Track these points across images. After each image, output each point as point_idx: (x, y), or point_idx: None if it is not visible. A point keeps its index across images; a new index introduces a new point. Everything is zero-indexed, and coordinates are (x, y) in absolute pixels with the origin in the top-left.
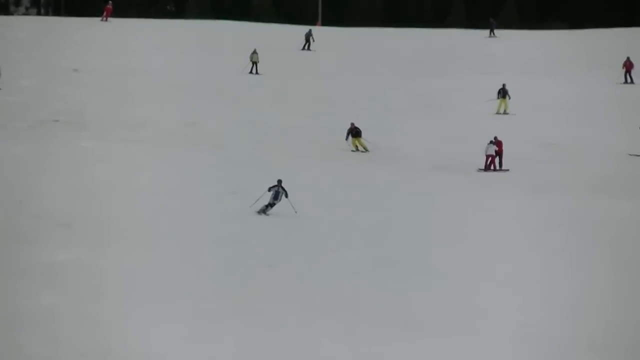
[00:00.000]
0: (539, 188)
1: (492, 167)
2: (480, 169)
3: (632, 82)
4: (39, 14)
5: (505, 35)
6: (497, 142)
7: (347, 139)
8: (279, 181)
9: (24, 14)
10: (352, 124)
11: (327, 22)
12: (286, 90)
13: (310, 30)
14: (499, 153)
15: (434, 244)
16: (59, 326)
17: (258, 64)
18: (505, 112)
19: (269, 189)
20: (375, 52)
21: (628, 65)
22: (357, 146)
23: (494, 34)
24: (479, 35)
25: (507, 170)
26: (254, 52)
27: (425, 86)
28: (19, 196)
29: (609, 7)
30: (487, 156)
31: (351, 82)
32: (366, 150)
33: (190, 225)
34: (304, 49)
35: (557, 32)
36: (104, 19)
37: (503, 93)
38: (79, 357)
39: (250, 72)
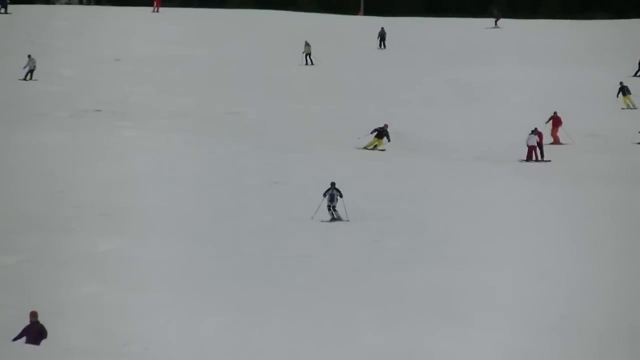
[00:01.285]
0: (582, 179)
1: (533, 158)
2: (522, 160)
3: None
4: (80, 3)
5: (548, 25)
6: (537, 133)
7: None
8: (332, 184)
9: (65, 3)
10: (386, 125)
11: (369, 12)
12: (329, 80)
13: (382, 29)
14: (540, 144)
15: (476, 235)
16: (101, 316)
17: (311, 55)
18: (633, 107)
19: (324, 194)
20: (417, 42)
21: None
22: (375, 145)
23: (497, 24)
24: (521, 24)
25: (549, 161)
26: (306, 44)
27: (465, 76)
28: (60, 186)
29: None
30: (529, 147)
31: (393, 73)
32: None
33: (232, 215)
34: (380, 47)
35: (600, 22)
36: (155, 9)
37: (623, 90)
38: (120, 348)
39: (306, 63)
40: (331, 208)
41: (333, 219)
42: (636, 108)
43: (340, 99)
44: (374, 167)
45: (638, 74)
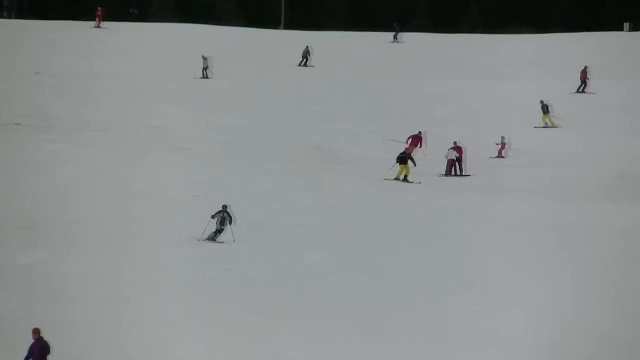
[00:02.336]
0: (503, 192)
1: (453, 172)
2: (442, 174)
3: (583, 91)
4: (1, 17)
5: (470, 40)
6: (457, 148)
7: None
8: (224, 206)
9: None
10: (407, 148)
11: (289, 26)
12: (251, 94)
13: (307, 47)
14: (460, 158)
15: (399, 249)
16: (20, 330)
17: (207, 70)
18: (551, 126)
19: (213, 216)
20: (340, 56)
21: (583, 74)
22: (405, 176)
23: (397, 38)
24: (444, 39)
25: (469, 175)
26: (203, 58)
27: (390, 90)
28: None
29: (573, 11)
30: (449, 161)
31: (317, 86)
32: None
33: (153, 228)
34: (301, 65)
35: (521, 36)
36: (97, 24)
37: (543, 109)
38: None
39: (203, 77)
40: (218, 232)
41: (210, 239)
42: (556, 127)
43: (262, 112)
44: (294, 181)
45: (583, 90)
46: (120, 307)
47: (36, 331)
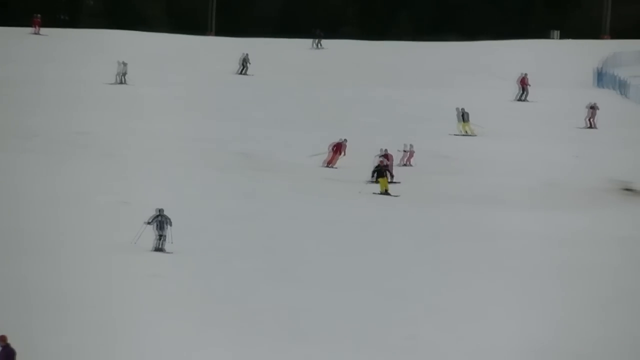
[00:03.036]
0: (431, 200)
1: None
2: (370, 181)
3: (525, 99)
4: None
5: (400, 47)
6: (386, 155)
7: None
8: (160, 210)
9: None
10: (381, 161)
11: (220, 32)
12: (180, 100)
13: (246, 55)
14: (389, 166)
15: (324, 255)
16: None
17: (126, 75)
18: (471, 134)
19: (149, 222)
20: (269, 63)
21: (523, 82)
22: (386, 189)
23: (320, 44)
24: (373, 46)
25: (399, 182)
26: (120, 63)
27: (319, 97)
28: None
29: (501, 19)
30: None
31: (244, 93)
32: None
33: (80, 235)
34: (240, 73)
35: (450, 43)
36: (36, 31)
37: (463, 117)
38: None
39: (120, 82)
40: (160, 237)
41: (158, 249)
42: (475, 135)
43: (191, 119)
44: (223, 187)
45: (523, 98)
46: (45, 313)
47: (3, 338)
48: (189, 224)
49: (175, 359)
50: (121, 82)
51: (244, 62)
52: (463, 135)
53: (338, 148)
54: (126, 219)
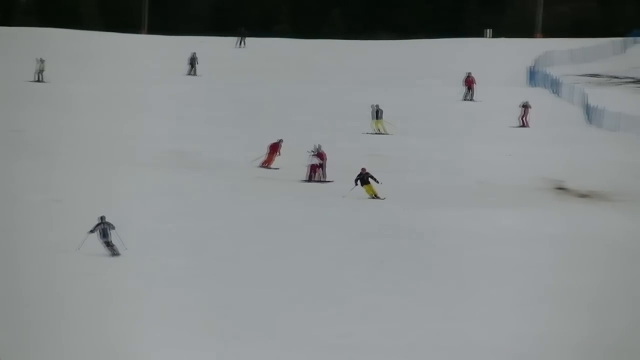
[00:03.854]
0: (363, 199)
1: (314, 178)
2: (304, 180)
3: (472, 99)
4: None
5: (332, 45)
6: (319, 154)
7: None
8: (102, 218)
9: None
10: (363, 169)
11: (152, 31)
12: (112, 98)
13: (194, 54)
14: (322, 164)
15: (257, 254)
16: None
17: (44, 73)
18: (383, 132)
19: (91, 231)
20: (201, 60)
21: (468, 81)
22: (375, 194)
23: (244, 43)
24: (305, 44)
25: (331, 181)
26: (38, 60)
27: (251, 95)
28: None
29: (435, 18)
30: (310, 167)
31: (175, 90)
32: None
33: (12, 234)
34: (190, 73)
35: (383, 42)
36: None
37: (377, 113)
38: None
39: (37, 80)
40: (108, 244)
41: (114, 254)
42: (387, 134)
43: (122, 116)
44: (156, 185)
45: (469, 98)
46: None
47: None
48: (121, 222)
49: (106, 357)
50: (38, 80)
51: (192, 62)
52: (376, 133)
53: (274, 148)
54: (58, 217)
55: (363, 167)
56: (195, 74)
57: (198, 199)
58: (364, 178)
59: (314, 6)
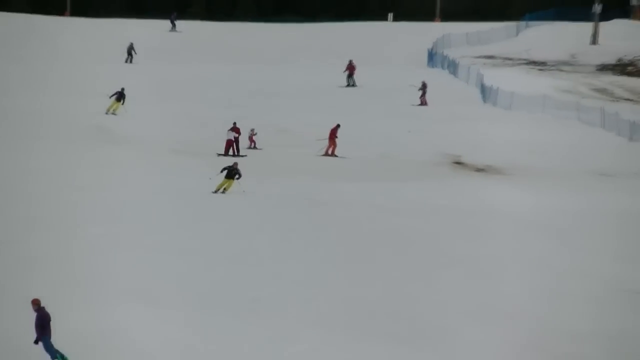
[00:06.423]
0: (274, 172)
1: (230, 152)
2: (220, 154)
3: (354, 84)
4: None
5: (242, 27)
6: (235, 129)
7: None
8: None
9: None
10: (235, 164)
11: (75, 13)
12: (38, 77)
13: (131, 44)
14: (237, 139)
15: (173, 222)
16: None
17: None
18: (113, 113)
19: None
20: (119, 42)
21: (350, 68)
22: (225, 188)
23: (175, 27)
24: (219, 26)
25: (245, 155)
26: None
27: (164, 73)
28: None
29: (340, 2)
30: (227, 141)
31: (96, 70)
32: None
33: None
34: (127, 62)
35: (291, 24)
36: None
37: (119, 96)
38: None
39: None
40: None
41: None
42: (115, 114)
43: (44, 93)
44: (75, 159)
45: (351, 84)
46: None
47: (35, 302)
48: (43, 193)
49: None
50: None
51: (130, 51)
52: (112, 114)
53: (332, 134)
54: None
55: (236, 162)
56: (131, 62)
57: (115, 171)
58: (230, 172)
59: None
